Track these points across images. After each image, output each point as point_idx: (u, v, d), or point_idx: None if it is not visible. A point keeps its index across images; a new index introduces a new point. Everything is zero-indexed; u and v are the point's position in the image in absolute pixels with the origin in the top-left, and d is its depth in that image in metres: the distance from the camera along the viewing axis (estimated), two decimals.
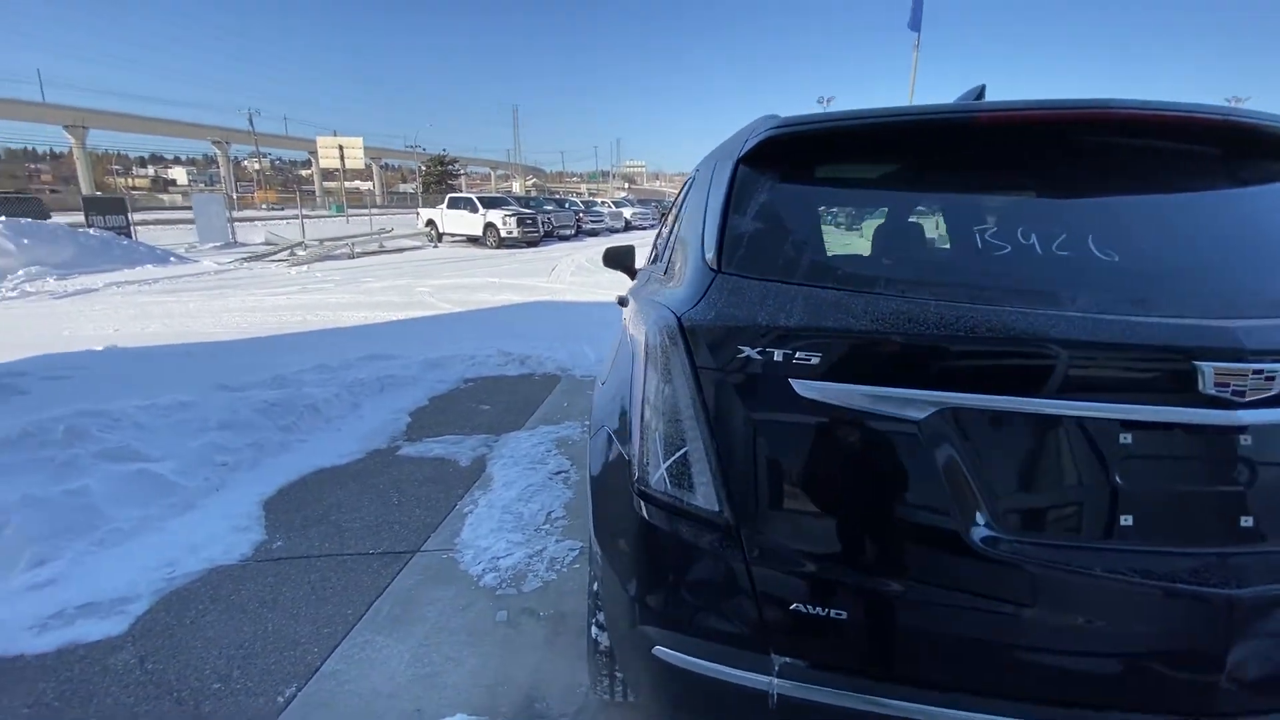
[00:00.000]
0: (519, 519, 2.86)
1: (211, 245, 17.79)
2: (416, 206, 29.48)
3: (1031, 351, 0.90)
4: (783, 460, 0.98)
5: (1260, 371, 0.84)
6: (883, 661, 0.97)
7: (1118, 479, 0.91)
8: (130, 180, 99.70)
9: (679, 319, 1.05)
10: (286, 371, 4.98)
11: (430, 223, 20.49)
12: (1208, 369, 0.85)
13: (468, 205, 19.36)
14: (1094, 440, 0.91)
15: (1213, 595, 0.89)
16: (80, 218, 15.65)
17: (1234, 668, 0.89)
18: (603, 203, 32.80)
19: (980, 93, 1.50)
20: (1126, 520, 0.91)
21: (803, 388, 0.95)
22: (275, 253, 15.51)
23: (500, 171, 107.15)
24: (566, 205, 26.81)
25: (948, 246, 1.15)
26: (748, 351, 0.98)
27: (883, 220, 1.18)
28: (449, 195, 21.04)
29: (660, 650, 1.05)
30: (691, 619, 1.04)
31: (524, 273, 12.98)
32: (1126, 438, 0.90)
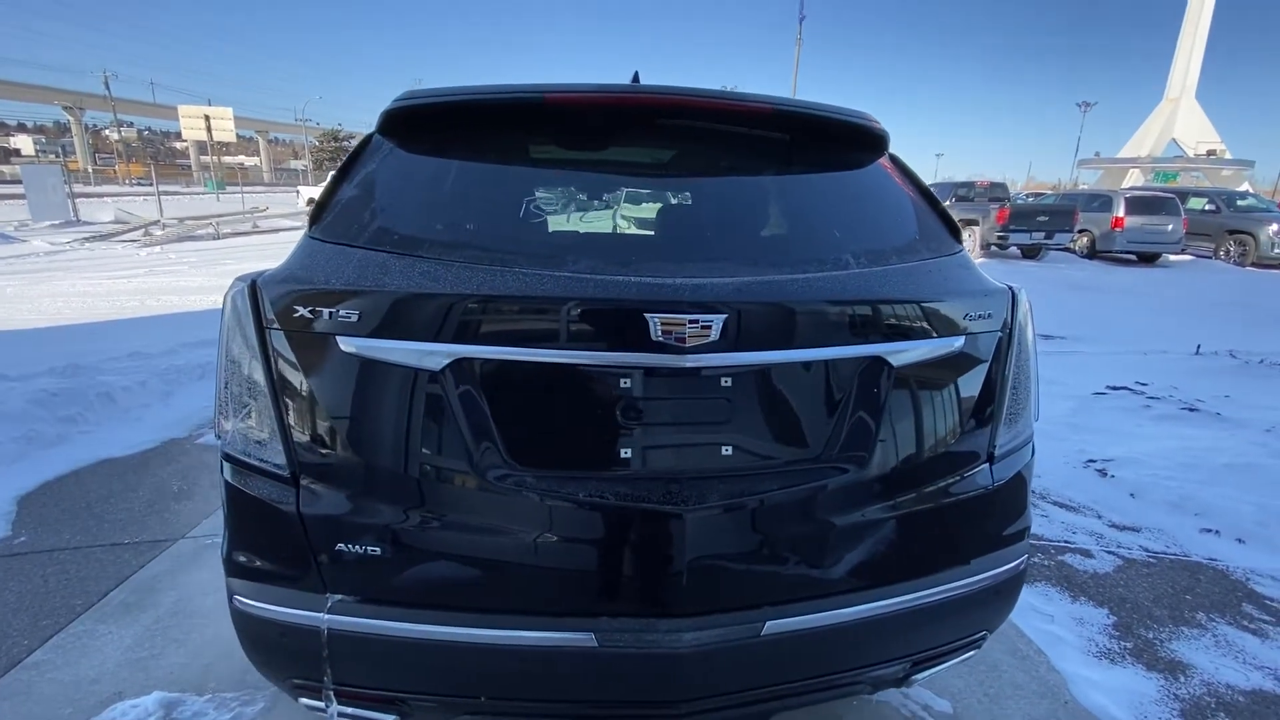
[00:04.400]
0: None
1: (48, 223, 15.88)
2: (304, 184, 27.49)
3: (529, 307, 1.03)
4: (331, 413, 1.06)
5: (696, 321, 1.00)
6: (418, 591, 1.07)
7: (614, 417, 1.05)
8: None
9: (254, 282, 1.09)
10: (92, 360, 4.60)
11: (311, 201, 19.24)
12: (655, 320, 0.99)
13: None
14: (590, 384, 1.05)
15: (704, 511, 1.05)
16: None
17: (706, 571, 1.06)
18: None
19: (634, 78, 1.63)
20: (626, 453, 1.06)
21: (345, 343, 1.03)
22: (125, 232, 14.10)
23: None
24: None
25: (495, 216, 1.27)
26: (302, 311, 1.04)
27: (453, 189, 1.28)
28: (331, 172, 19.83)
29: (238, 600, 1.11)
30: (258, 567, 1.10)
31: None
32: (625, 381, 1.04)
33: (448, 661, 1.06)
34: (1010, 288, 1.28)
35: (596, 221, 1.16)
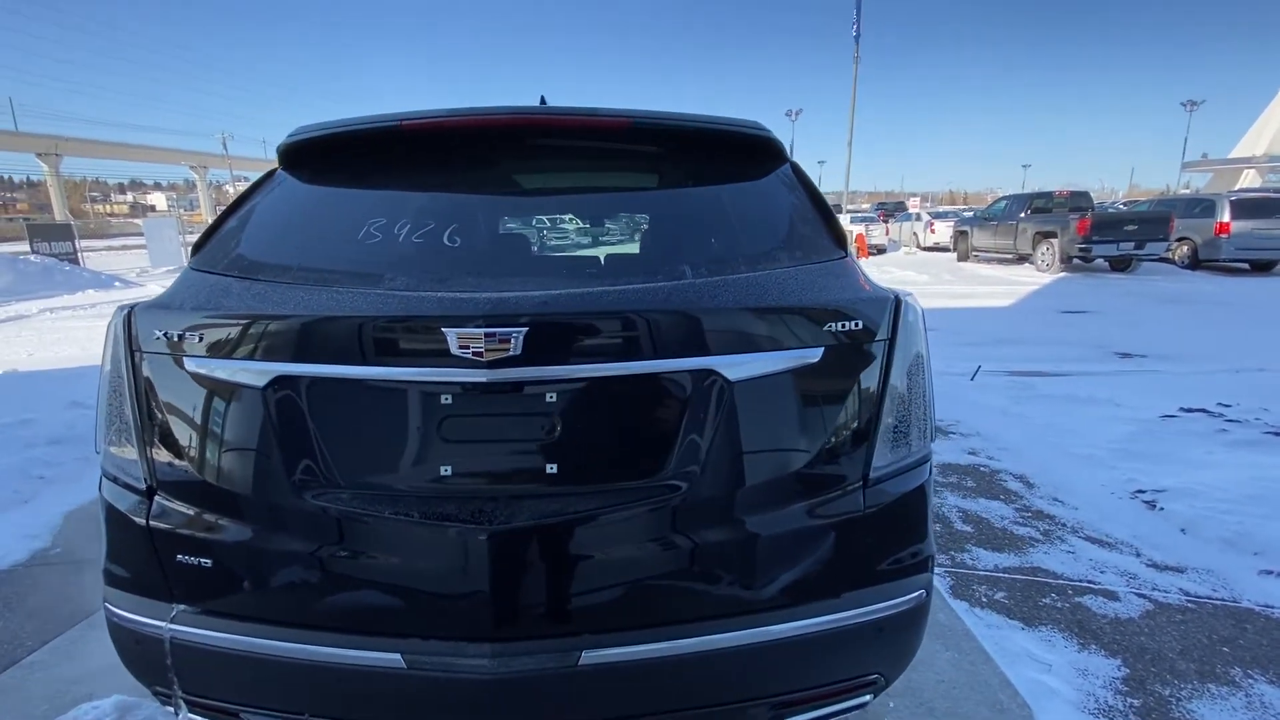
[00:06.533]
0: None
1: (165, 269, 17.81)
2: None
3: (339, 325, 1.04)
4: (177, 431, 1.11)
5: (493, 335, 0.98)
6: (246, 604, 1.10)
7: (427, 434, 1.05)
8: (109, 207, 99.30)
9: (130, 309, 1.18)
10: None
11: None
12: (452, 334, 0.98)
13: None
14: (402, 401, 1.05)
15: (518, 530, 1.02)
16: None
17: (515, 593, 1.02)
18: None
19: (540, 101, 1.66)
20: (446, 469, 1.05)
21: (190, 364, 1.09)
22: None
23: None
24: None
25: (336, 239, 1.29)
26: (160, 335, 1.11)
27: (307, 215, 1.33)
28: None
29: (108, 607, 1.17)
30: (122, 577, 1.16)
31: None
32: (445, 398, 1.04)
33: (275, 676, 1.08)
34: (896, 294, 1.18)
35: (433, 242, 1.17)
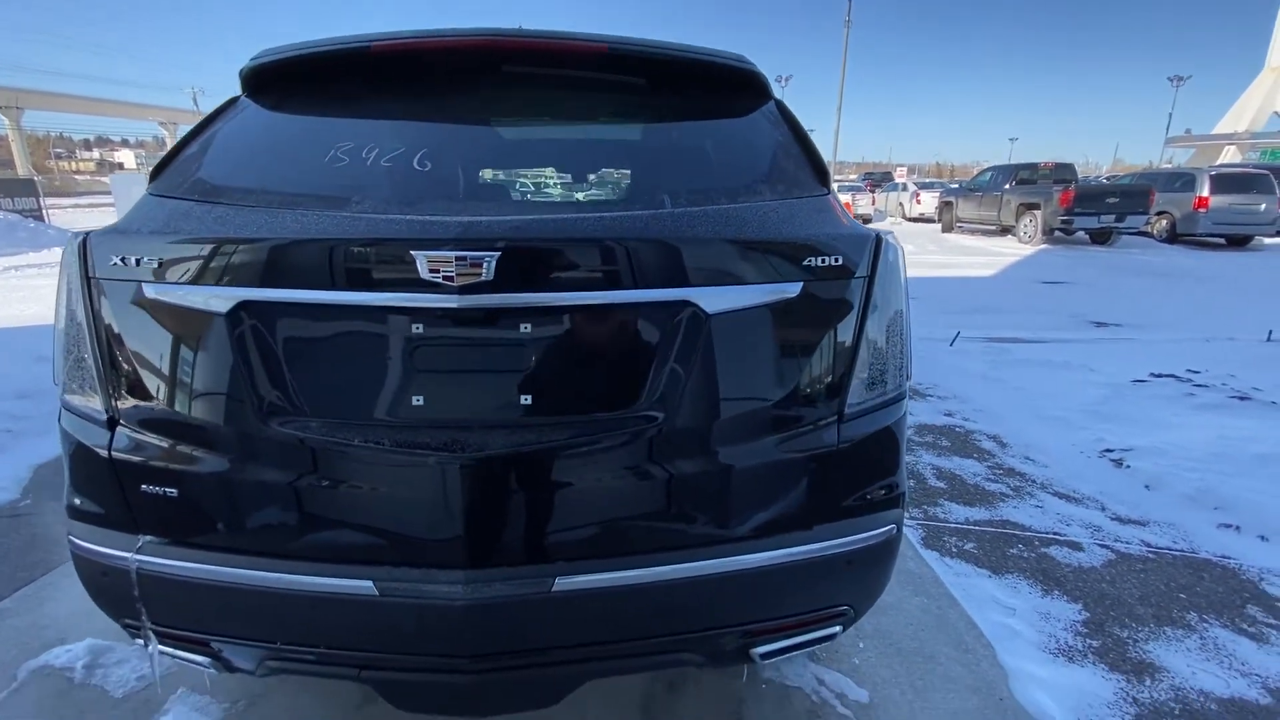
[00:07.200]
0: None
1: None
2: None
3: (306, 249, 1.01)
4: (137, 359, 1.08)
5: (464, 259, 0.95)
6: (215, 533, 1.08)
7: (398, 362, 1.03)
8: (75, 164, 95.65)
9: (86, 235, 1.13)
10: None
11: None
12: (421, 257, 0.96)
13: None
14: (371, 327, 1.03)
15: (491, 458, 1.01)
16: None
17: (488, 521, 1.02)
18: None
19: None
20: (418, 400, 1.03)
21: (149, 290, 1.05)
22: None
23: None
24: None
25: (302, 163, 1.24)
26: (116, 261, 1.07)
27: (273, 139, 1.28)
28: None
29: (72, 539, 1.15)
30: (86, 509, 1.14)
31: None
32: (417, 327, 1.01)
33: (244, 606, 1.07)
34: (877, 233, 1.17)
35: (404, 167, 1.13)
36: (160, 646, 1.13)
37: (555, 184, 1.22)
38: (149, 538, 1.09)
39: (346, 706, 1.61)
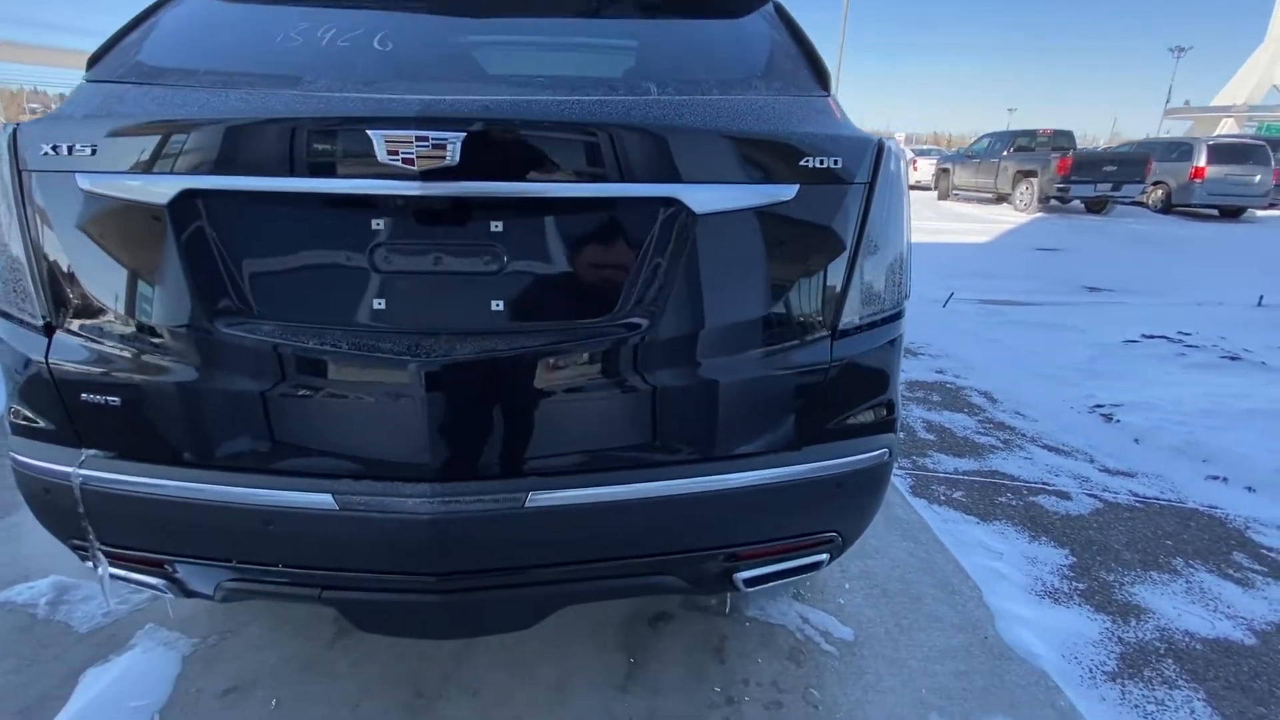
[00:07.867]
0: None
1: None
2: None
3: (254, 129, 0.91)
4: (73, 257, 0.99)
5: (426, 139, 0.86)
6: (163, 446, 1.01)
7: (357, 259, 0.94)
8: None
9: (15, 128, 1.03)
10: None
11: None
12: (378, 136, 0.87)
13: None
14: (327, 219, 0.94)
15: (459, 364, 0.94)
16: None
17: (454, 432, 0.95)
18: None
19: None
20: (379, 303, 0.95)
21: (82, 181, 0.95)
22: None
23: None
24: None
25: (251, 44, 1.14)
26: (47, 150, 0.97)
27: (219, 21, 1.17)
28: None
29: (13, 456, 1.08)
30: (26, 423, 1.07)
31: None
32: (376, 223, 0.92)
33: (195, 522, 1.00)
34: (880, 139, 1.09)
35: (363, 45, 1.03)
36: (111, 569, 1.07)
37: (532, 71, 1.12)
38: (93, 451, 1.02)
39: (320, 640, 1.57)
